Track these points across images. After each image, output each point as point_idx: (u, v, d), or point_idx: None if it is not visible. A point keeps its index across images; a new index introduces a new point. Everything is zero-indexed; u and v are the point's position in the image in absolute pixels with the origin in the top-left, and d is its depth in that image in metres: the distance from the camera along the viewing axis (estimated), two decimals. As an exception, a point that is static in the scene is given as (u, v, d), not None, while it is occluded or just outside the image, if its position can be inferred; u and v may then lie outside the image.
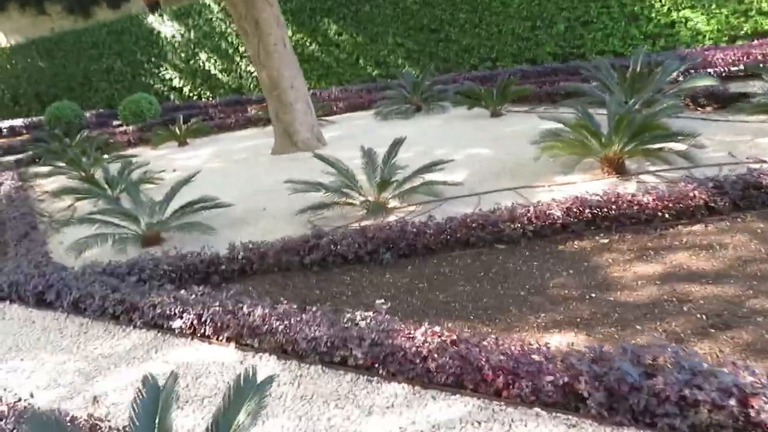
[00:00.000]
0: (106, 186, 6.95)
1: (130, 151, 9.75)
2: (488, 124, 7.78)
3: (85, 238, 5.00)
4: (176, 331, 3.68)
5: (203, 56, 16.56)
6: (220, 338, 3.52)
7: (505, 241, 4.21)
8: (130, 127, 12.70)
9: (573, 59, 11.89)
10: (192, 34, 16.48)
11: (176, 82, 17.37)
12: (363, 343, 2.94)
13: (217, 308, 3.49)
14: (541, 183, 5.19)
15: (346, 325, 3.11)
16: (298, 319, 3.24)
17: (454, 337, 2.84)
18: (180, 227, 5.14)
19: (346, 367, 3.05)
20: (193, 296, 3.70)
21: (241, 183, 6.85)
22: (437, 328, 2.93)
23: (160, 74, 17.57)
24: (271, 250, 4.33)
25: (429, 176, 5.48)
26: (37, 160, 10.86)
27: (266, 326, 3.28)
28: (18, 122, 17.39)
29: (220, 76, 16.60)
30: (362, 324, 3.10)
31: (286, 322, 3.24)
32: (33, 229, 5.99)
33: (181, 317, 3.61)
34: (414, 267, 4.19)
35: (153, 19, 17.09)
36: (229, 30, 15.80)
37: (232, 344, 3.47)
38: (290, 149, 7.76)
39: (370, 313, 3.19)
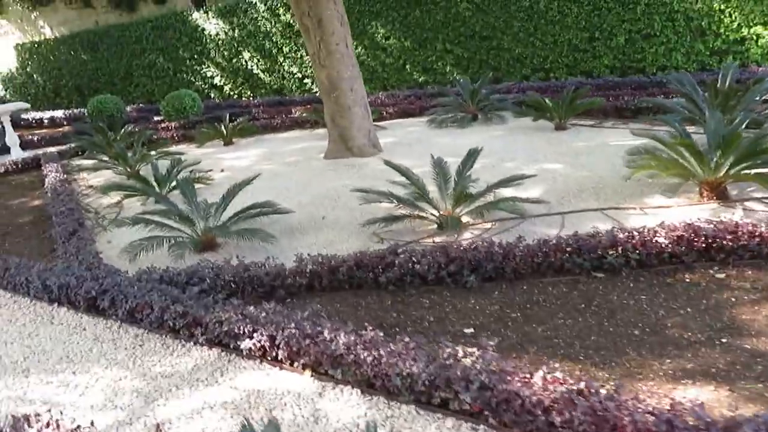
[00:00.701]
0: (155, 184, 6.67)
1: (174, 148, 9.49)
2: (555, 137, 7.35)
3: (140, 240, 4.67)
4: (244, 353, 3.32)
5: (246, 55, 16.37)
6: (295, 364, 3.15)
7: (604, 270, 3.79)
8: (173, 124, 12.50)
9: (632, 73, 11.38)
10: (236, 32, 16.30)
11: (217, 80, 17.21)
12: (471, 386, 2.55)
13: (293, 330, 3.13)
14: (632, 205, 4.75)
15: (447, 362, 2.72)
16: (389, 350, 2.85)
17: (582, 386, 2.42)
18: (238, 233, 4.80)
19: (446, 410, 2.66)
20: (264, 314, 3.34)
21: (295, 188, 6.51)
22: (559, 374, 2.52)
23: (201, 72, 17.43)
24: (344, 265, 3.96)
25: (505, 191, 5.07)
26: (79, 153, 10.69)
27: (351, 356, 2.90)
28: (59, 113, 17.37)
29: (262, 76, 16.39)
30: (466, 362, 2.70)
31: (374, 352, 2.86)
32: (80, 226, 5.71)
33: (251, 337, 3.25)
34: (501, 292, 3.79)
35: (198, 16, 16.97)
36: (274, 30, 15.59)
37: (308, 372, 3.10)
38: (345, 154, 7.41)
39: (475, 350, 2.79)
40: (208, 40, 16.97)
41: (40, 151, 11.88)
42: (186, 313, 3.55)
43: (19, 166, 10.26)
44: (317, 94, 14.33)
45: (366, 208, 5.50)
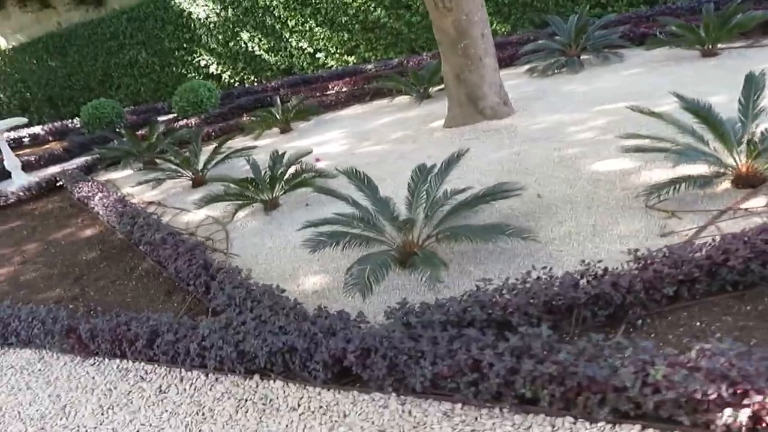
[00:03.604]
0: (268, 186, 5.14)
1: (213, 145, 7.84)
2: (718, 65, 6.03)
3: (357, 265, 3.19)
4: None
5: (245, 36, 14.61)
6: None
7: None
8: (192, 120, 10.81)
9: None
10: (230, 11, 14.51)
11: (213, 69, 15.43)
12: None
13: None
14: None
15: None
16: None
17: None
18: (451, 234, 3.37)
19: None
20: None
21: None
22: None
23: (193, 62, 15.61)
24: (732, 257, 2.57)
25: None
26: (99, 166, 8.98)
27: None
28: (36, 129, 15.29)
29: (266, 56, 14.68)
30: None
31: None
32: (201, 253, 4.19)
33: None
34: None
35: (182, 0, 15.07)
36: (275, 2, 13.83)
37: None
38: (475, 118, 5.98)
39: None
40: (197, 26, 15.14)
41: (46, 172, 10.14)
42: (562, 377, 2.13)
43: (33, 192, 8.53)
44: (370, 62, 12.68)
45: (592, 178, 4.13)
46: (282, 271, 4.07)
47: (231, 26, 14.75)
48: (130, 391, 3.21)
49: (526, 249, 3.50)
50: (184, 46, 15.60)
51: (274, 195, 5.17)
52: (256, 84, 14.58)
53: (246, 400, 2.86)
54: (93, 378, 3.44)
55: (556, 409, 2.26)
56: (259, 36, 14.57)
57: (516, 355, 2.32)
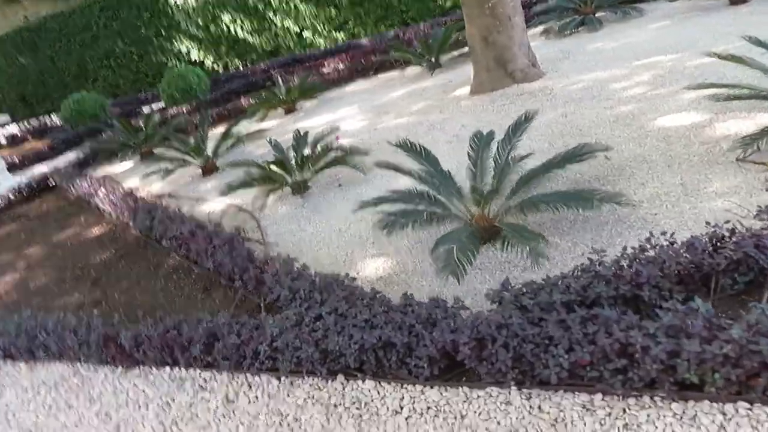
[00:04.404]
0: (298, 167, 4.75)
1: (219, 130, 7.38)
2: (751, 13, 5.73)
3: (444, 248, 2.83)
4: None
5: (226, 18, 14.02)
6: None
7: None
8: (183, 108, 10.28)
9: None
10: (209, -7, 13.87)
11: (195, 55, 14.81)
12: None
13: None
14: None
15: None
16: None
17: None
18: (531, 204, 3.03)
19: None
20: None
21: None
22: None
23: (173, 49, 14.97)
24: None
25: None
26: (91, 161, 8.46)
27: None
28: (12, 129, 14.57)
29: (250, 39, 14.12)
30: None
31: None
32: (240, 245, 3.80)
33: None
34: None
35: (157, -16, 14.39)
36: (257, -19, 13.24)
37: None
38: (503, 83, 5.62)
39: None
40: (175, 11, 14.49)
41: (32, 171, 9.57)
42: (739, 355, 1.81)
43: (24, 193, 7.99)
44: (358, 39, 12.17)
45: (661, 135, 3.82)
46: (333, 258, 3.70)
47: (211, 9, 14.14)
48: (192, 403, 2.83)
49: (612, 215, 3.17)
50: (163, 33, 14.95)
51: (303, 177, 4.76)
52: (241, 68, 13.99)
53: (335, 406, 2.51)
54: (143, 391, 3.06)
55: (727, 395, 1.93)
56: (242, 17, 13.99)
57: (671, 335, 1.98)
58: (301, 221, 4.37)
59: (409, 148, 3.54)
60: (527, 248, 2.63)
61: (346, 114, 6.85)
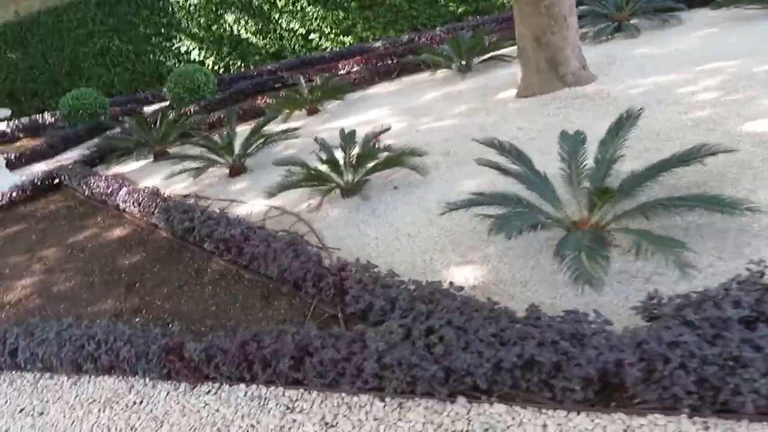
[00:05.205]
0: (351, 168, 4.45)
1: (241, 128, 7.05)
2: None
3: (564, 250, 2.56)
4: None
5: (230, 18, 13.67)
6: None
7: None
8: (191, 108, 9.90)
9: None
10: (213, -8, 13.52)
11: (195, 55, 14.41)
12: None
13: None
14: None
15: None
16: None
17: None
18: (651, 208, 2.78)
19: None
20: None
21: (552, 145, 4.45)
22: None
23: (172, 48, 14.56)
24: None
25: None
26: (98, 160, 8.05)
27: None
28: (2, 127, 13.96)
29: (253, 39, 13.77)
30: None
31: None
32: (304, 249, 3.49)
33: None
34: None
35: (158, -19, 14.00)
36: (263, -19, 12.93)
37: None
38: (554, 86, 5.40)
39: None
40: (176, 9, 14.11)
41: (31, 170, 9.13)
42: None
43: (28, 192, 7.54)
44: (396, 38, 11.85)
45: (757, 140, 3.61)
46: (410, 265, 3.40)
47: (214, 8, 13.78)
48: (282, 427, 2.50)
49: (732, 223, 2.92)
50: (162, 31, 14.54)
51: (355, 178, 4.46)
52: (243, 69, 13.62)
53: (464, 432, 2.20)
54: (217, 410, 2.72)
55: None
56: (246, 18, 13.66)
57: None
58: (360, 225, 4.07)
59: (499, 146, 3.27)
60: (669, 257, 2.36)
61: (378, 116, 6.56)
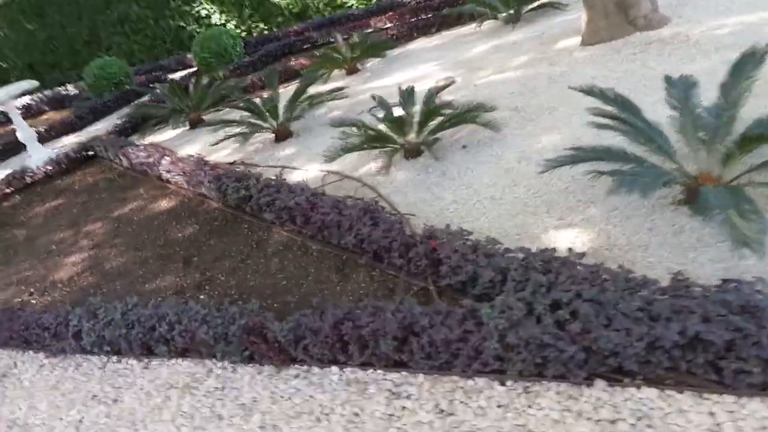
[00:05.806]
0: (417, 127, 4.11)
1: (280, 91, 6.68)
2: None
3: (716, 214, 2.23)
4: None
5: (251, -21, 13.13)
6: None
7: None
8: (220, 73, 9.53)
9: None
10: (232, -49, 13.00)
11: (216, 19, 13.96)
12: None
13: None
14: None
15: None
16: None
17: None
18: None
19: None
20: None
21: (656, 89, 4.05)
22: None
23: (192, 12, 14.11)
24: None
25: None
26: (130, 130, 7.77)
27: None
28: (26, 99, 13.73)
29: (275, 0, 13.25)
30: None
31: None
32: (383, 217, 3.20)
33: None
34: None
35: (175, -58, 13.49)
36: (285, -64, 12.35)
37: None
38: (624, 31, 4.97)
39: None
40: (195, -30, 13.58)
41: (61, 142, 8.91)
42: None
43: (63, 165, 7.32)
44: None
45: None
46: (502, 230, 3.09)
47: (234, -32, 13.26)
48: (391, 415, 2.24)
49: None
50: (181, -5, 14.07)
51: (419, 138, 4.13)
52: (267, 32, 13.16)
53: (613, 422, 1.91)
54: (311, 397, 2.47)
55: None
56: (268, -23, 13.13)
57: None
58: (433, 188, 3.75)
59: (601, 94, 2.91)
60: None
61: (427, 72, 6.17)
